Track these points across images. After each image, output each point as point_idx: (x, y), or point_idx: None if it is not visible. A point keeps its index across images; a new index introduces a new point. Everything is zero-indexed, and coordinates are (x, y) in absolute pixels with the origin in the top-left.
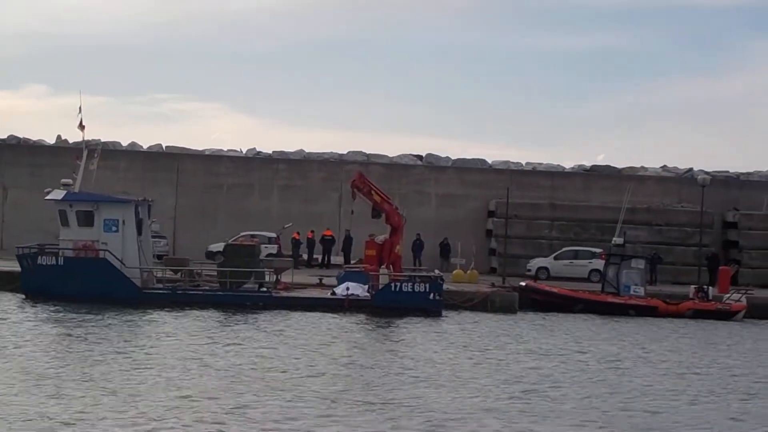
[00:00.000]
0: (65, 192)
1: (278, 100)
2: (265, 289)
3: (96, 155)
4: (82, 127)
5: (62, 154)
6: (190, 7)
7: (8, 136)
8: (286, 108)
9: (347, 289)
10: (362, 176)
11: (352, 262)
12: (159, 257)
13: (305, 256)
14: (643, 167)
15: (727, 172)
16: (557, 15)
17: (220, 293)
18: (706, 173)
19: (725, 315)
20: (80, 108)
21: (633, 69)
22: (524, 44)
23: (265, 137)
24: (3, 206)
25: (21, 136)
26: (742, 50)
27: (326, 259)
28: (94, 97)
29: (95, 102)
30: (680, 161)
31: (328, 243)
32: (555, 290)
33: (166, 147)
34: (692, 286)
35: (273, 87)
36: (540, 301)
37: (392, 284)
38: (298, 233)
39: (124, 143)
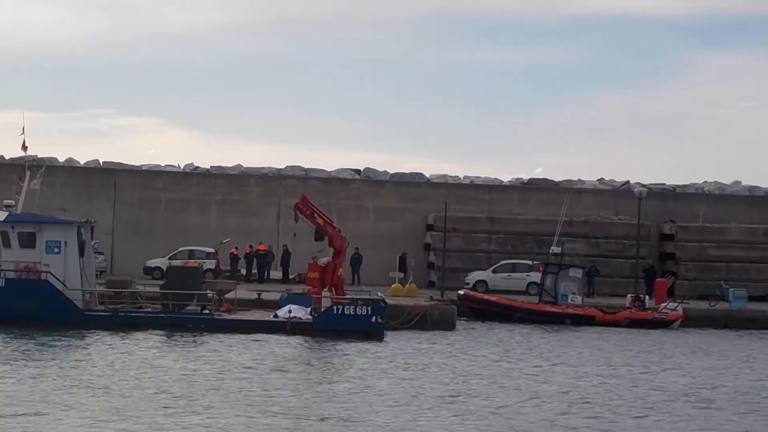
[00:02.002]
0: (7, 213)
1: (216, 115)
2: (207, 311)
3: (39, 175)
4: (25, 148)
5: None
6: (127, 23)
7: None
8: (224, 123)
9: (289, 311)
10: (305, 199)
11: (290, 276)
12: (98, 273)
13: (243, 272)
14: (580, 180)
15: (664, 184)
16: (497, 30)
17: (162, 315)
18: (643, 186)
19: (661, 324)
20: (23, 129)
21: (570, 83)
22: (463, 59)
23: (202, 152)
24: None
25: None
26: (679, 64)
27: (263, 273)
28: (29, 113)
29: (31, 117)
30: (617, 174)
31: (262, 257)
32: (494, 299)
33: (104, 163)
34: (629, 295)
35: (210, 102)
36: (479, 311)
37: (334, 307)
38: (237, 248)
39: (61, 159)
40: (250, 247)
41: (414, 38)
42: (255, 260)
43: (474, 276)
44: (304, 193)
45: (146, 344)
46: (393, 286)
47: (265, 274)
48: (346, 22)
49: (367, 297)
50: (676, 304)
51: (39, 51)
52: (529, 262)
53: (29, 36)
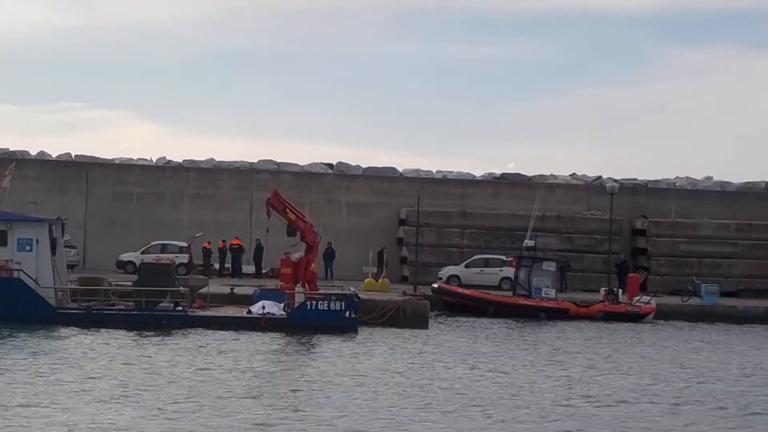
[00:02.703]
0: None
1: (188, 108)
2: (180, 308)
3: (8, 173)
4: None
5: None
6: (98, 16)
7: None
8: (196, 117)
9: (263, 307)
10: (277, 194)
11: (263, 271)
12: (70, 267)
13: (216, 266)
14: (552, 175)
15: (636, 179)
16: (469, 23)
17: (135, 312)
18: (615, 181)
19: (635, 317)
20: None
21: (543, 78)
22: (435, 52)
23: (174, 146)
24: None
25: None
26: (651, 60)
27: (236, 267)
28: (1, 105)
29: (1, 110)
30: (589, 169)
31: (236, 251)
32: (467, 293)
33: (76, 156)
34: (602, 289)
35: (183, 96)
36: (452, 304)
37: (308, 303)
38: (210, 243)
39: (33, 152)
40: (223, 241)
41: (388, 32)
42: (229, 254)
43: (447, 271)
44: (275, 188)
45: (119, 341)
46: (366, 280)
47: (237, 267)
48: (318, 15)
49: (341, 292)
50: (649, 298)
51: (9, 43)
52: (503, 257)
53: None
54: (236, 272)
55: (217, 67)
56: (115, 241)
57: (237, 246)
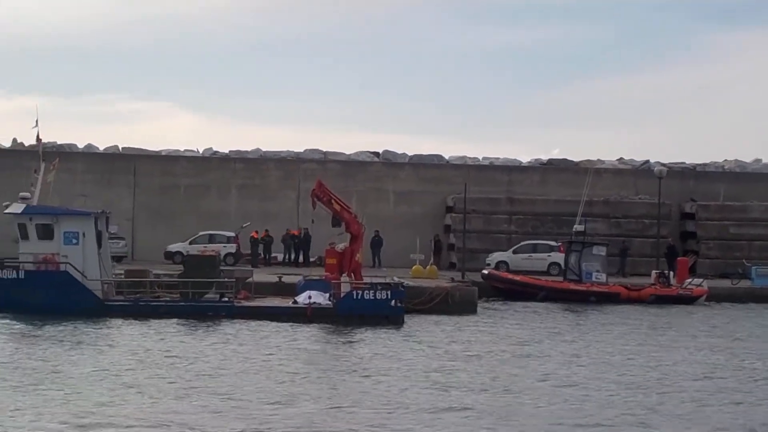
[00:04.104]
0: (24, 205)
1: (234, 99)
2: (226, 298)
3: (53, 167)
4: (39, 140)
5: (19, 157)
6: (142, 7)
7: None
8: (242, 107)
9: (309, 297)
10: (322, 185)
11: (312, 260)
12: (118, 259)
13: (279, 256)
14: (599, 160)
15: (684, 163)
16: (515, 10)
17: (182, 304)
18: (663, 165)
19: (687, 300)
20: (36, 121)
21: (588, 62)
22: (481, 39)
23: (220, 136)
24: None
25: None
26: (697, 43)
27: (294, 257)
28: (45, 97)
29: (47, 102)
30: (637, 153)
31: (299, 241)
32: (517, 278)
33: (123, 148)
34: (654, 272)
35: (228, 86)
36: (502, 290)
37: (354, 292)
38: (257, 232)
39: (80, 145)
40: (266, 231)
41: (434, 19)
42: (284, 244)
43: (495, 257)
44: (320, 179)
45: (168, 332)
46: (414, 267)
47: (291, 257)
48: (362, 2)
49: (386, 281)
50: (700, 281)
51: (54, 36)
52: (551, 242)
53: (42, 21)
54: (297, 261)
55: (263, 56)
56: (162, 232)
57: (297, 236)
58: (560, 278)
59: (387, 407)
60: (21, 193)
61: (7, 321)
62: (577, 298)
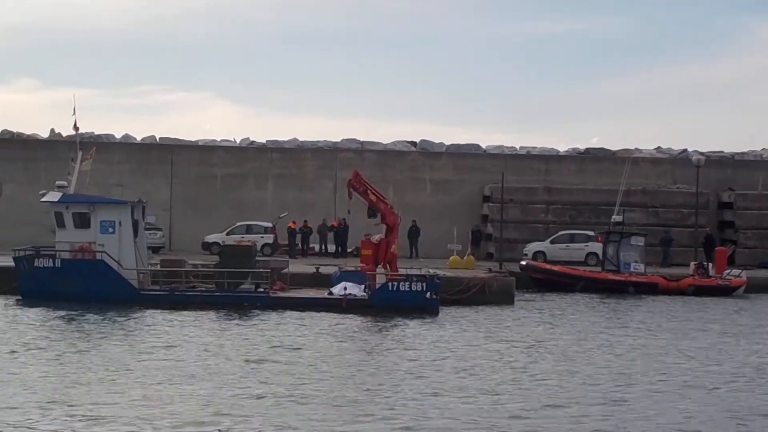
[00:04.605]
0: (61, 194)
1: (270, 89)
2: (262, 289)
3: (90, 156)
4: (76, 128)
5: (57, 148)
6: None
7: (2, 131)
8: (279, 97)
9: (344, 288)
10: (358, 176)
11: (348, 250)
12: (155, 250)
13: (315, 247)
14: (637, 149)
15: (722, 152)
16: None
17: (218, 294)
18: (701, 154)
19: (726, 290)
20: (74, 110)
21: (625, 52)
22: (516, 29)
23: (257, 126)
24: None
25: (14, 130)
26: (734, 32)
27: (333, 248)
28: (83, 90)
29: (85, 94)
30: (674, 142)
31: (339, 231)
32: (556, 269)
33: (160, 138)
34: (692, 263)
35: (264, 76)
36: (541, 280)
37: (389, 284)
38: (294, 222)
39: (118, 136)
40: (305, 221)
41: (471, 9)
42: (320, 234)
43: (532, 247)
44: (357, 169)
45: (204, 322)
46: (451, 258)
47: (326, 248)
48: None
49: (422, 273)
50: (739, 271)
51: (89, 29)
52: (588, 233)
53: (79, 13)
54: (338, 252)
55: (299, 46)
56: (200, 223)
57: (336, 227)
58: (598, 268)
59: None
60: (57, 182)
61: (46, 310)
62: (615, 288)
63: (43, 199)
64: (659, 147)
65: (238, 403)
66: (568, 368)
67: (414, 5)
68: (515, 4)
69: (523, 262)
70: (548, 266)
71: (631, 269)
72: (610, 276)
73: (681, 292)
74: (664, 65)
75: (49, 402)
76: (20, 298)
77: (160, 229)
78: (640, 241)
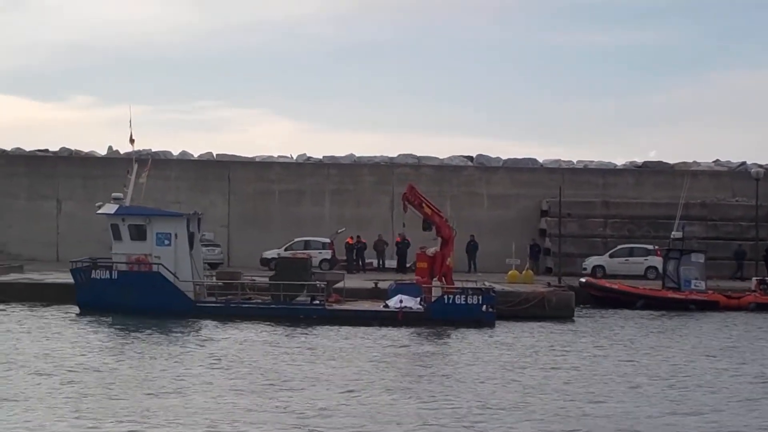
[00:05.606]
0: (117, 206)
1: (326, 104)
2: (317, 301)
3: (146, 169)
4: (132, 141)
5: (114, 165)
6: (232, 16)
7: (60, 149)
8: (335, 112)
9: (400, 301)
10: (413, 189)
11: (407, 265)
12: (214, 266)
13: (373, 262)
14: (695, 162)
15: None
16: (604, 11)
17: (273, 306)
18: (760, 166)
19: None
20: (130, 122)
21: (682, 64)
22: (573, 42)
23: (314, 142)
24: (57, 218)
25: (72, 147)
26: None
27: (397, 263)
28: (140, 106)
29: (142, 111)
30: (733, 155)
31: (402, 247)
32: (615, 286)
33: (217, 155)
34: (754, 278)
35: (320, 92)
36: (600, 298)
37: (445, 296)
38: (352, 238)
39: (175, 153)
40: (358, 237)
41: (525, 24)
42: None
43: (591, 261)
44: (412, 183)
45: (259, 333)
46: (509, 272)
47: (383, 263)
48: (450, 9)
49: (478, 286)
50: None
51: (145, 45)
52: (647, 246)
53: (134, 30)
54: (403, 267)
55: (355, 62)
56: (258, 239)
57: (400, 242)
58: (657, 282)
59: None
60: (113, 194)
61: (103, 322)
62: (675, 306)
63: (99, 211)
64: (717, 160)
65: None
66: None
67: (467, 20)
68: (568, 16)
69: (583, 279)
70: (608, 284)
71: (692, 287)
72: (670, 294)
73: (741, 309)
74: (721, 75)
75: (123, 411)
76: (78, 310)
77: (218, 246)
78: (700, 258)
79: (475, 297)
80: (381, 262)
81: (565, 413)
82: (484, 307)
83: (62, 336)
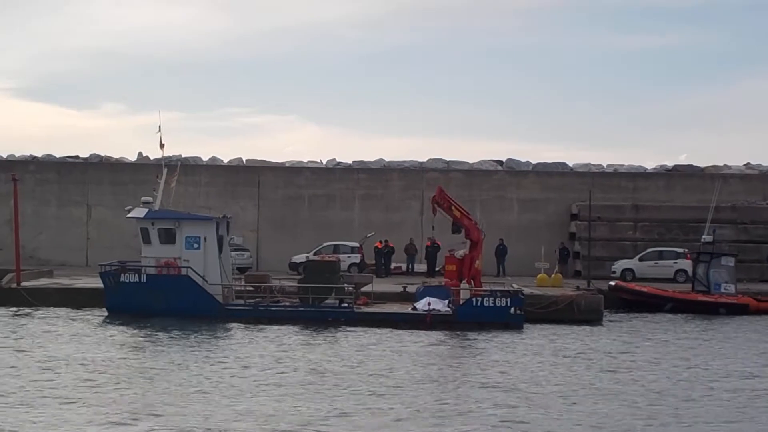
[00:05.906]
0: (147, 210)
1: (355, 109)
2: (346, 304)
3: (176, 173)
4: (162, 146)
5: (144, 171)
6: (260, 21)
7: (90, 155)
8: (364, 117)
9: (429, 304)
10: (442, 192)
11: (437, 269)
12: (243, 270)
13: (402, 266)
14: (726, 165)
15: None
16: (633, 14)
17: (302, 309)
18: None
19: None
20: (159, 127)
21: (712, 67)
22: (602, 45)
23: (343, 147)
24: (87, 224)
25: (102, 154)
26: None
27: (428, 267)
28: (169, 113)
29: (172, 117)
30: (764, 158)
31: (432, 251)
32: (645, 290)
33: (247, 160)
34: None
35: (348, 97)
36: (629, 301)
37: (473, 299)
38: (381, 242)
39: (205, 158)
40: (385, 241)
41: (555, 26)
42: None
43: (620, 264)
44: (441, 186)
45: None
46: (539, 276)
47: (413, 267)
48: (478, 13)
49: (506, 288)
50: None
51: (175, 51)
52: (677, 249)
53: (162, 38)
54: (432, 272)
55: (384, 66)
56: (287, 243)
57: (431, 246)
58: (687, 285)
59: None
60: (143, 198)
61: (132, 325)
62: (705, 309)
63: (129, 215)
64: (748, 163)
65: None
66: None
67: (494, 24)
68: (601, 19)
69: (612, 283)
70: (637, 287)
71: (722, 290)
72: (700, 297)
73: None
74: (752, 78)
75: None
76: (107, 313)
77: (247, 250)
78: (730, 261)
79: (503, 299)
80: (410, 266)
81: None
82: (512, 309)
83: (89, 338)
